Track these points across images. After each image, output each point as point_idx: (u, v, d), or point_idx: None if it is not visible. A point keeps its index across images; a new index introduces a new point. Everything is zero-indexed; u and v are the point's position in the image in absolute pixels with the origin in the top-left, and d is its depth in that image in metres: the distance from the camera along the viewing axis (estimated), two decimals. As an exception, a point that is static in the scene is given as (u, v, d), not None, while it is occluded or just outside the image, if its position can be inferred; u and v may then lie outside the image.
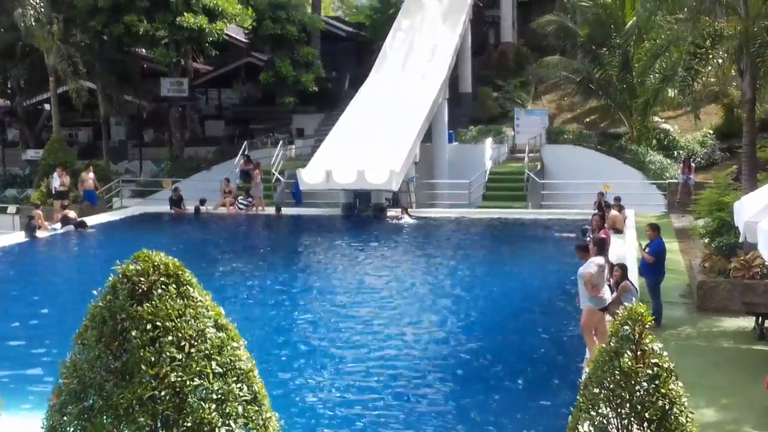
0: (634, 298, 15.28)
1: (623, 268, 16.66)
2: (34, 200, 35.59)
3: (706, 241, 21.36)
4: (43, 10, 39.23)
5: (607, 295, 14.87)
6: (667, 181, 35.83)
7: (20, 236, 30.14)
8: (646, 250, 18.20)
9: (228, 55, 53.93)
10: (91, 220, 33.37)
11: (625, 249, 23.35)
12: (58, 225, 31.72)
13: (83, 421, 6.37)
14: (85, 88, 41.99)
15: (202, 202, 36.16)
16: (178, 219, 35.68)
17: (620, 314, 6.54)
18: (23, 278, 24.76)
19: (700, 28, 25.20)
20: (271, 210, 35.99)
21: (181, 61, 47.00)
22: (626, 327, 6.38)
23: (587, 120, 45.66)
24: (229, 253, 27.88)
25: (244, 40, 53.95)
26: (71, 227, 31.65)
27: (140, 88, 48.99)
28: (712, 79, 31.51)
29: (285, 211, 35.99)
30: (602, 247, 15.14)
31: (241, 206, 36.16)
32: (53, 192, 35.47)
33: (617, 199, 29.14)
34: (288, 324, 18.96)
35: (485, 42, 53.50)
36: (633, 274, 18.51)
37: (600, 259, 14.70)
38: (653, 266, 18.02)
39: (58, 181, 35.28)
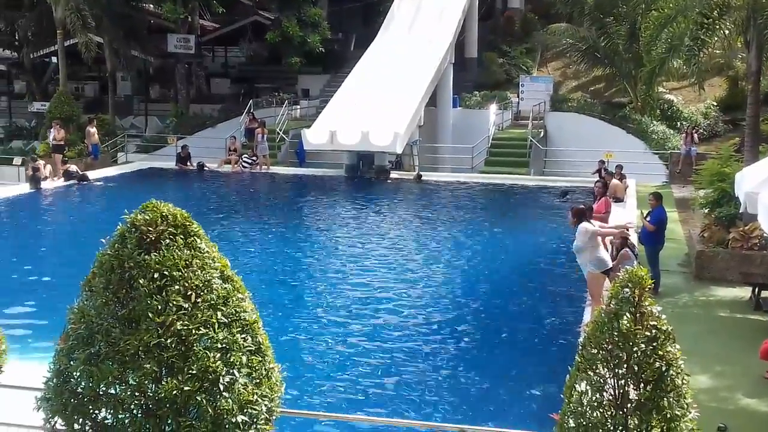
0: (635, 262, 15.39)
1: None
2: (38, 152, 35.58)
3: (706, 211, 21.42)
4: (50, -39, 39.06)
5: (607, 256, 15.02)
6: (669, 152, 35.87)
7: (25, 188, 30.25)
8: (647, 218, 18.26)
9: (235, 13, 53.71)
10: (96, 174, 33.46)
11: (626, 217, 23.43)
12: (61, 179, 31.76)
13: (90, 366, 6.49)
14: (95, 41, 41.87)
15: (201, 165, 36.20)
16: (182, 175, 35.69)
17: (621, 277, 6.62)
18: (29, 228, 24.96)
19: (709, -2, 25.13)
20: (275, 169, 36.09)
21: (188, 17, 46.81)
22: (626, 289, 6.46)
23: (592, 88, 45.58)
24: (232, 209, 28.12)
25: (251, -3, 53.81)
26: (74, 180, 31.70)
27: (147, 44, 48.82)
28: (718, 51, 31.43)
29: (287, 170, 36.06)
30: (581, 216, 15.17)
31: (245, 164, 36.19)
32: (50, 146, 35.51)
33: (619, 167, 29.16)
34: (290, 277, 19.22)
35: (492, 7, 53.24)
36: (633, 241, 18.59)
37: (587, 225, 14.77)
38: (653, 235, 18.10)
39: (51, 135, 35.27)
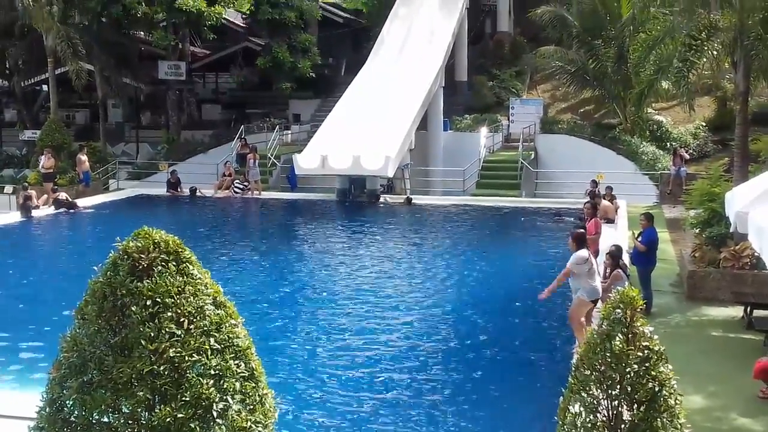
0: (626, 283, 15.38)
1: (613, 255, 16.70)
2: (29, 181, 35.58)
3: (697, 231, 21.47)
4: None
5: (600, 287, 14.97)
6: (659, 172, 35.97)
7: (16, 216, 30.23)
8: (639, 239, 18.31)
9: (225, 40, 53.92)
10: (88, 201, 33.43)
11: (617, 239, 23.46)
12: (52, 207, 31.71)
13: (83, 395, 6.45)
14: (85, 69, 41.91)
15: (193, 191, 36.19)
16: (174, 201, 35.70)
17: (612, 298, 6.64)
18: (21, 256, 24.90)
19: (696, 20, 25.23)
20: (267, 194, 36.14)
21: (179, 44, 47.03)
22: (618, 310, 6.48)
23: (581, 110, 45.77)
24: (224, 234, 28.13)
25: (241, 24, 54.02)
26: (63, 208, 31.60)
27: (138, 71, 48.94)
28: (707, 72, 31.59)
29: (279, 195, 36.13)
30: (581, 241, 15.14)
31: (237, 190, 36.21)
32: (40, 174, 35.53)
33: (609, 188, 29.25)
34: (282, 302, 19.17)
35: (482, 31, 53.45)
36: (625, 262, 18.59)
37: (584, 252, 14.74)
38: (644, 255, 18.13)
39: (41, 163, 35.24)
